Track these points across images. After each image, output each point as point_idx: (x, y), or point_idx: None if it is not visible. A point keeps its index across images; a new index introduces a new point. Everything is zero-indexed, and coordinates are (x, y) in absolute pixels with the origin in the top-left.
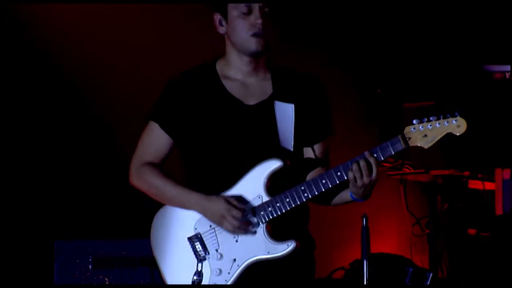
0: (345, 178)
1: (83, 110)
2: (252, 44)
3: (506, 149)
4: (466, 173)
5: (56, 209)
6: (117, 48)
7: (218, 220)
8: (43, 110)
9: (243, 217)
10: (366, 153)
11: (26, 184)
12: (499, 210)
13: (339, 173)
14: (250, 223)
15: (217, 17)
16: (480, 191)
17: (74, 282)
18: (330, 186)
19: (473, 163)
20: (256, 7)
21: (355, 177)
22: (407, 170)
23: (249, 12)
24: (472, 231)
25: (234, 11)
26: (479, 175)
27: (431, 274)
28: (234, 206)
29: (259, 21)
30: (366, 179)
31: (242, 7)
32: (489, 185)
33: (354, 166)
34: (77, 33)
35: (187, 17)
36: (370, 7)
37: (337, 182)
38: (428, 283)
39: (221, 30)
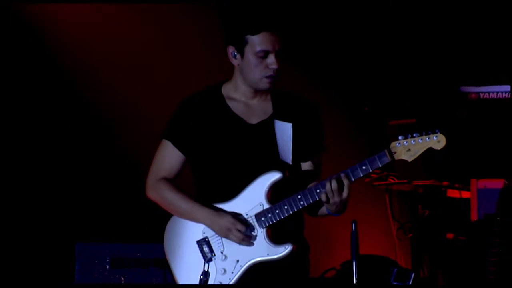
0: None
1: (102, 114)
2: (264, 84)
3: (480, 161)
4: (445, 183)
5: (78, 215)
6: (119, 48)
7: (224, 233)
8: (58, 113)
9: (246, 231)
10: (342, 175)
11: (51, 192)
12: (474, 217)
13: None
14: (251, 237)
15: (232, 49)
16: (457, 199)
17: (93, 280)
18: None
19: (450, 174)
20: (273, 53)
21: (327, 196)
22: (392, 181)
23: (265, 56)
24: (450, 235)
25: (252, 52)
26: (456, 185)
27: (414, 274)
28: (238, 220)
29: (275, 66)
30: (337, 198)
31: (260, 51)
32: (465, 194)
33: (327, 186)
34: (78, 33)
35: (188, 17)
36: (359, 32)
37: None
38: (410, 282)
39: (234, 62)
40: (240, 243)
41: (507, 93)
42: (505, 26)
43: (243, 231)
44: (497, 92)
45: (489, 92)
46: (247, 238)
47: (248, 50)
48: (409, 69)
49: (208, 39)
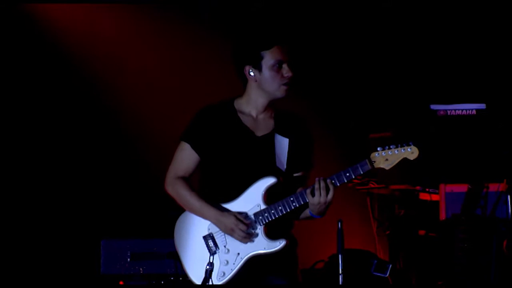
0: None
1: (121, 119)
2: (282, 91)
3: (447, 169)
4: (417, 187)
5: (103, 216)
6: (119, 49)
7: (228, 232)
8: (83, 117)
9: (247, 230)
10: (328, 180)
11: (79, 195)
12: (442, 216)
13: None
14: (252, 234)
15: (249, 68)
16: (428, 201)
17: (115, 271)
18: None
19: (422, 180)
20: (285, 62)
21: (315, 195)
22: (372, 185)
23: (280, 67)
24: (422, 232)
25: (268, 64)
26: (427, 189)
27: (391, 265)
28: (241, 221)
29: (290, 74)
30: (323, 198)
31: (275, 62)
32: (435, 197)
33: (316, 185)
34: (80, 33)
35: (191, 18)
36: (343, 58)
37: None
38: (388, 272)
39: (252, 78)
40: (241, 241)
41: (470, 111)
42: (469, 52)
43: (244, 230)
44: (462, 110)
45: (455, 110)
46: (248, 236)
47: (264, 64)
48: (386, 90)
49: (211, 40)
